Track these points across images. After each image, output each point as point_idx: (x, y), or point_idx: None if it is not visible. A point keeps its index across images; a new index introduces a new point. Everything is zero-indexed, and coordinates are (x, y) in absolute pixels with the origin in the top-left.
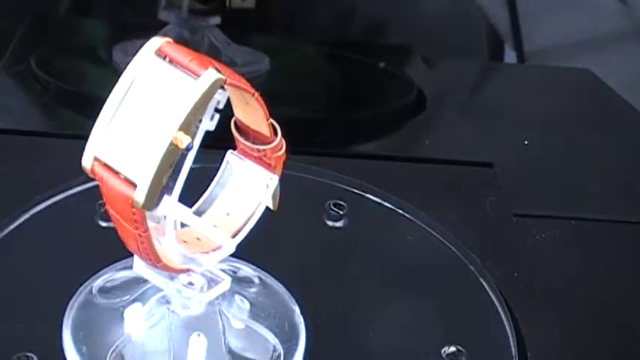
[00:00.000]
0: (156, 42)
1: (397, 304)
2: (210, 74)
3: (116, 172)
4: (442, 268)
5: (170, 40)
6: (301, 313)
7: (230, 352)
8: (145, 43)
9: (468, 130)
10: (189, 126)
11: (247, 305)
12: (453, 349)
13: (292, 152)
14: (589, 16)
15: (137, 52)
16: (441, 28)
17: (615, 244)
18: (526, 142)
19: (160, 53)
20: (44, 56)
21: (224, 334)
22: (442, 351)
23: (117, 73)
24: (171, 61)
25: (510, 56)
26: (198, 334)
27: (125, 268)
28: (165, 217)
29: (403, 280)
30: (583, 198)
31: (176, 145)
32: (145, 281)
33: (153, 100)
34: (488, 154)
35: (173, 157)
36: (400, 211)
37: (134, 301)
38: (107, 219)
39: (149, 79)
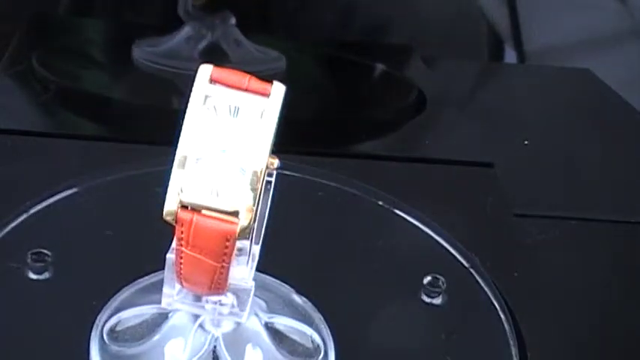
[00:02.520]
0: (205, 71)
1: (393, 303)
2: (279, 88)
3: (207, 211)
4: (441, 268)
5: (213, 66)
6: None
7: (281, 351)
8: (162, 39)
9: (468, 130)
10: (272, 145)
11: (263, 302)
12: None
13: (292, 152)
14: (589, 16)
15: (156, 47)
16: (441, 28)
17: (615, 244)
18: (526, 142)
19: (214, 81)
20: (44, 56)
21: (270, 338)
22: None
23: (135, 71)
24: (228, 86)
25: (510, 56)
26: (253, 347)
27: (118, 311)
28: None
29: (400, 280)
30: (583, 198)
31: (269, 168)
32: (157, 315)
33: (229, 129)
34: (488, 154)
35: (265, 181)
36: (396, 211)
37: (165, 337)
38: (39, 271)
39: (216, 110)
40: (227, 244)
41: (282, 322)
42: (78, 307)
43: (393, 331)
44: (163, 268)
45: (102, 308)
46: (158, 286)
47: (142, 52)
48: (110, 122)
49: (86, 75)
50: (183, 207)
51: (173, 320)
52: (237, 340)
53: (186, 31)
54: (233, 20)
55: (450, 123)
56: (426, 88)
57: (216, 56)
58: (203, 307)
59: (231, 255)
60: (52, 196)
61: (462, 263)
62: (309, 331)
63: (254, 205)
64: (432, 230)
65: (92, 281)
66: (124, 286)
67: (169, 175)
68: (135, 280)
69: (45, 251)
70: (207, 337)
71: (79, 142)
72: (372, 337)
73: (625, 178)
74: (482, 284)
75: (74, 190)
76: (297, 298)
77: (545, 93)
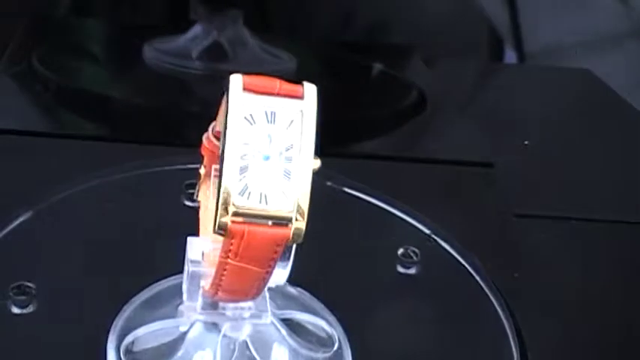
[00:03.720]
0: (237, 80)
1: (395, 305)
2: (311, 88)
3: (260, 220)
4: (441, 268)
5: (243, 74)
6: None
7: (301, 344)
8: (171, 38)
9: (468, 130)
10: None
11: (273, 301)
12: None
13: None
14: (589, 16)
15: (169, 48)
16: (441, 28)
17: (615, 244)
18: (526, 142)
19: (246, 89)
20: (44, 55)
21: (289, 333)
22: None
23: (148, 71)
24: (260, 93)
25: (510, 56)
26: (279, 344)
27: (128, 331)
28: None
29: (401, 281)
30: (583, 198)
31: (314, 170)
32: (172, 329)
33: (269, 135)
34: (488, 154)
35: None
36: (396, 212)
37: (190, 351)
38: (22, 305)
39: (253, 118)
40: (277, 249)
41: (295, 317)
42: (76, 336)
43: (395, 318)
44: (163, 279)
45: (109, 331)
46: (160, 299)
47: (150, 52)
48: (110, 122)
49: (86, 75)
50: (234, 219)
51: (192, 333)
52: (262, 340)
53: (195, 30)
54: (241, 20)
55: (450, 123)
56: (426, 88)
57: (225, 56)
58: (224, 314)
59: (277, 260)
60: (15, 219)
61: (458, 260)
62: (319, 321)
63: (306, 207)
64: (427, 227)
65: (84, 306)
66: (123, 305)
67: (218, 189)
68: (132, 297)
69: (27, 283)
70: (234, 343)
71: (79, 142)
72: (376, 323)
73: (625, 178)
74: (482, 284)
75: (29, 213)
76: (293, 290)
77: (545, 93)
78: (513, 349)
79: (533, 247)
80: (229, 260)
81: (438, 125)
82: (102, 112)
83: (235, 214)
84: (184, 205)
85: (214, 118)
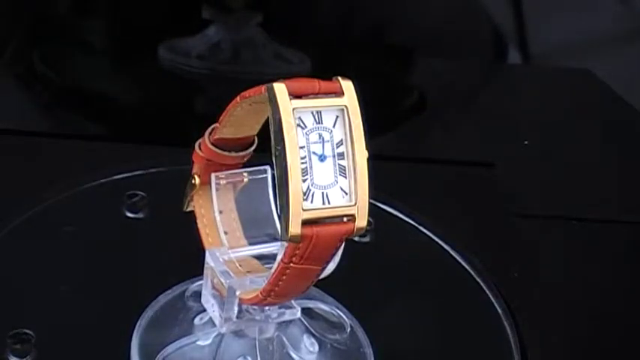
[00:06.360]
0: (282, 89)
1: (396, 304)
2: (348, 83)
3: (325, 220)
4: (441, 268)
5: (285, 80)
6: None
7: (323, 331)
8: (187, 40)
9: (468, 130)
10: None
11: None
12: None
13: None
14: (589, 17)
15: (176, 48)
16: (442, 28)
17: (615, 244)
18: (526, 142)
19: (291, 94)
20: (45, 55)
21: (310, 322)
22: None
23: (162, 72)
24: (303, 95)
25: (512, 56)
26: (308, 336)
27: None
28: None
29: (402, 281)
30: (583, 198)
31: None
32: (196, 346)
33: (319, 135)
34: (488, 154)
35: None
36: (396, 212)
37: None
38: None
39: (302, 121)
40: (339, 244)
41: (308, 305)
42: None
43: (394, 319)
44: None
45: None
46: (166, 318)
47: (159, 52)
48: (111, 122)
49: (86, 75)
50: (310, 224)
51: (223, 344)
52: (292, 334)
53: (208, 31)
54: (257, 21)
55: (450, 123)
56: (426, 88)
57: (240, 57)
58: (254, 318)
59: (334, 255)
60: None
61: (457, 260)
62: (328, 307)
63: (366, 201)
64: (429, 230)
65: (92, 339)
66: (131, 332)
67: (285, 200)
68: (134, 323)
69: (27, 331)
70: (271, 344)
71: (79, 142)
72: (378, 307)
73: (625, 178)
74: (482, 284)
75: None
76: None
77: (545, 93)
78: (513, 349)
79: (533, 247)
80: (292, 264)
81: (438, 125)
82: (102, 111)
83: (305, 219)
84: (126, 217)
85: (216, 121)
